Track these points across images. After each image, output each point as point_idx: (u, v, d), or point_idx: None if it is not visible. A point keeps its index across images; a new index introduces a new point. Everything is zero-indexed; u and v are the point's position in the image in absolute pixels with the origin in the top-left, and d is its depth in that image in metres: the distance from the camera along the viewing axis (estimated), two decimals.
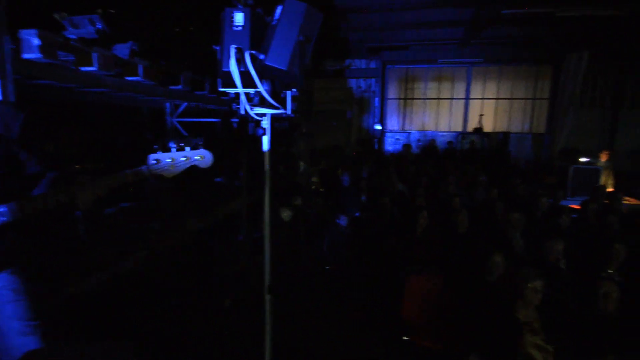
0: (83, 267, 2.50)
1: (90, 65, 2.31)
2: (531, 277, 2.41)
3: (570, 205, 5.68)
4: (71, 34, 2.34)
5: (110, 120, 3.84)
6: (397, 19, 8.43)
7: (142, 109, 4.69)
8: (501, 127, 10.89)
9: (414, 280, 3.35)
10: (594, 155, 7.40)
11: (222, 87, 2.08)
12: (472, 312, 2.79)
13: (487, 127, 10.58)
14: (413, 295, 3.29)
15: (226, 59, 1.93)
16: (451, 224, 4.17)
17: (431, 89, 11.38)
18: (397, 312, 3.35)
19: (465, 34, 8.75)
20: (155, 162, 1.74)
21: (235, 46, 1.87)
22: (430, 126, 11.51)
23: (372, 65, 11.11)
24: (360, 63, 11.26)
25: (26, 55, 2.11)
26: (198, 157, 1.81)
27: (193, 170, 1.94)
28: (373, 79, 11.21)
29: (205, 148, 1.92)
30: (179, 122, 4.89)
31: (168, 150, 1.74)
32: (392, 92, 11.62)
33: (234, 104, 2.08)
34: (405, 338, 3.07)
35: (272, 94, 1.98)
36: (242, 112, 2.09)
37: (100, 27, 2.20)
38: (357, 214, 5.90)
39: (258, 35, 1.94)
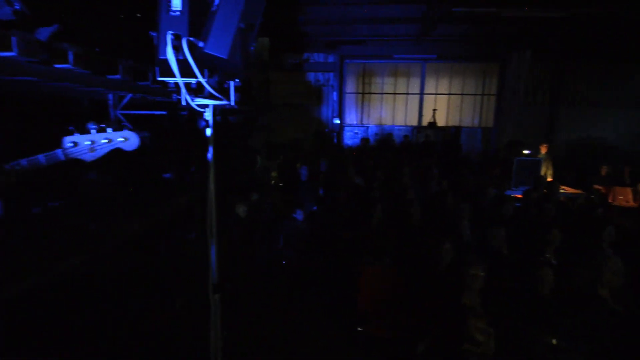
0: (9, 272, 2.27)
1: (9, 50, 2.08)
2: (474, 264, 2.51)
3: (514, 195, 6.06)
4: None
5: (41, 113, 3.51)
6: (354, 13, 8.49)
7: (82, 101, 4.35)
8: (453, 121, 11.36)
9: (368, 272, 3.40)
10: (535, 148, 7.92)
11: (161, 76, 1.96)
12: (422, 300, 2.88)
13: (440, 122, 10.98)
14: (367, 286, 3.33)
15: (163, 46, 1.81)
16: (404, 215, 4.28)
17: (388, 84, 11.61)
18: (352, 303, 3.38)
19: (419, 30, 8.99)
20: (72, 144, 1.54)
21: (172, 32, 1.76)
22: (387, 120, 11.75)
23: (331, 59, 11.12)
24: (318, 57, 11.22)
25: None
26: (121, 139, 1.62)
27: (136, 165, 1.80)
28: (332, 73, 11.23)
29: (152, 142, 1.77)
30: (123, 114, 4.59)
31: (87, 132, 1.55)
32: (351, 86, 11.73)
33: (175, 95, 1.95)
34: (359, 329, 3.11)
35: (214, 84, 1.89)
36: (184, 103, 1.98)
37: (18, 7, 1.98)
38: (314, 208, 5.89)
39: (198, 21, 1.84)
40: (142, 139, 1.76)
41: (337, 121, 11.30)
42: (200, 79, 1.80)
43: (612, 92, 10.72)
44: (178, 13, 1.82)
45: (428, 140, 10.53)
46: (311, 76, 11.43)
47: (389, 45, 10.32)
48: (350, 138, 11.77)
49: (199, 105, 1.97)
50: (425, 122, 11.11)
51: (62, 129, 1.53)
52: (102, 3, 3.02)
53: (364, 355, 3.05)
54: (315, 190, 6.39)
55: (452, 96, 11.42)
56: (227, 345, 2.27)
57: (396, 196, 5.23)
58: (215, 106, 2.01)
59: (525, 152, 7.38)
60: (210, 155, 2.07)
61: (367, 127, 11.74)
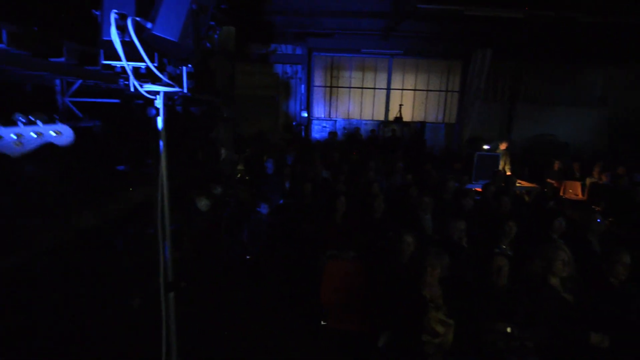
0: None
1: None
2: (437, 257, 2.54)
3: (474, 188, 6.28)
4: None
5: None
6: (322, 5, 8.41)
7: (24, 87, 3.99)
8: (419, 117, 11.60)
9: (332, 266, 3.39)
10: (494, 143, 8.25)
11: (105, 59, 1.81)
12: (384, 292, 2.90)
13: (406, 117, 11.18)
14: (331, 280, 3.32)
15: (106, 26, 1.67)
16: (369, 208, 4.30)
17: (356, 78, 11.66)
18: (316, 297, 3.36)
19: (386, 25, 9.06)
20: None
21: (116, 11, 1.61)
22: (355, 114, 11.81)
23: (298, 51, 10.98)
24: (286, 48, 11.05)
25: None
26: (53, 133, 1.46)
27: (87, 156, 1.64)
28: (299, 66, 11.09)
29: (105, 132, 1.61)
30: (72, 102, 4.26)
31: (13, 124, 1.37)
32: (318, 79, 11.66)
33: (122, 80, 1.80)
34: (323, 323, 3.09)
35: (164, 69, 1.77)
36: (131, 89, 1.84)
37: None
38: (280, 202, 5.82)
39: (146, 0, 1.70)
40: (94, 129, 1.62)
41: (305, 114, 11.22)
42: (148, 63, 1.67)
43: (565, 91, 11.39)
44: None
45: (394, 135, 10.70)
46: (279, 68, 11.25)
47: (356, 39, 10.33)
48: (318, 131, 11.72)
49: (148, 92, 1.84)
50: (391, 117, 11.27)
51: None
52: None
53: (326, 349, 3.04)
54: (282, 184, 6.31)
55: (417, 92, 11.65)
56: (187, 343, 2.16)
57: (361, 190, 5.26)
58: (167, 94, 1.89)
59: (485, 147, 7.67)
60: (161, 146, 1.94)
61: (335, 120, 11.75)
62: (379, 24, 9.23)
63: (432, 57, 11.27)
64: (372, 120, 11.68)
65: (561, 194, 7.46)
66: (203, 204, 4.38)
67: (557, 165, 7.99)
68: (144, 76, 1.84)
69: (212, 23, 5.39)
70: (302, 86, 11.14)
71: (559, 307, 2.69)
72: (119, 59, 1.70)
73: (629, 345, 2.59)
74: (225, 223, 5.02)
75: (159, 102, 1.88)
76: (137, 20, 1.62)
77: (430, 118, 11.70)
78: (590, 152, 10.97)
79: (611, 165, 7.78)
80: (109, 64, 1.84)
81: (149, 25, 1.66)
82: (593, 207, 6.13)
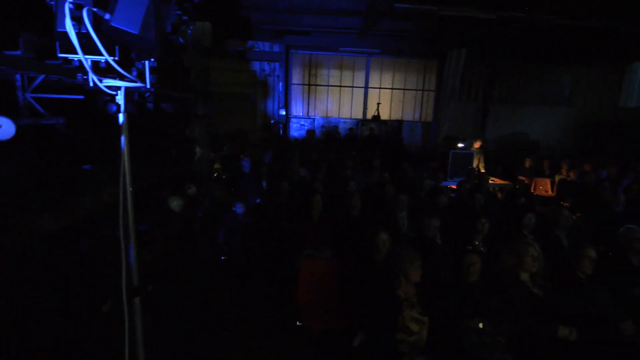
0: None
1: None
2: (411, 256, 2.54)
3: (450, 186, 6.39)
4: None
5: None
6: (300, 3, 8.33)
7: None
8: (396, 115, 11.72)
9: (307, 265, 3.35)
10: (468, 141, 8.43)
11: (61, 52, 1.71)
12: (359, 291, 2.89)
13: (384, 115, 11.27)
14: (306, 279, 3.28)
15: (61, 16, 1.57)
16: (345, 207, 4.29)
17: (334, 76, 11.65)
18: (292, 297, 3.32)
19: (363, 24, 9.07)
20: None
21: (71, 1, 1.52)
22: (333, 113, 11.81)
23: (276, 48, 10.86)
24: (263, 45, 10.92)
25: None
26: None
27: (50, 155, 1.53)
28: (277, 63, 10.98)
29: (69, 130, 1.52)
30: (34, 98, 4.03)
31: None
32: (297, 77, 11.58)
33: (80, 75, 1.70)
34: (298, 323, 3.05)
35: (126, 63, 1.68)
36: (91, 84, 1.74)
37: None
38: (257, 201, 5.73)
39: None
40: (56, 126, 1.52)
41: (283, 112, 11.12)
42: (107, 56, 1.58)
43: (535, 91, 11.77)
44: None
45: (372, 134, 10.75)
46: (256, 65, 11.10)
47: (334, 38, 10.30)
48: (296, 130, 11.65)
49: (108, 87, 1.74)
50: (369, 116, 11.33)
51: None
52: None
53: (302, 349, 3.00)
54: (259, 183, 6.22)
55: (394, 91, 11.76)
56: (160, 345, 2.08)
57: (338, 188, 5.24)
58: (130, 89, 1.79)
59: (460, 145, 7.82)
60: (123, 144, 1.84)
61: (314, 119, 11.71)
62: (357, 23, 9.24)
63: (409, 56, 11.40)
64: (351, 118, 11.71)
65: (532, 190, 7.69)
66: (176, 204, 4.25)
67: (528, 162, 8.23)
68: (105, 70, 1.75)
69: (185, 18, 5.21)
70: (280, 84, 11.04)
71: (528, 302, 2.75)
72: (76, 52, 1.60)
73: (594, 337, 2.68)
74: (199, 223, 4.91)
75: (120, 98, 1.78)
76: (93, 11, 1.53)
77: (408, 117, 11.84)
78: (560, 149, 11.39)
79: (579, 162, 8.10)
80: (67, 58, 1.73)
81: (107, 16, 1.56)
82: (561, 203, 6.35)
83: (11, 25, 2.47)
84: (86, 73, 1.72)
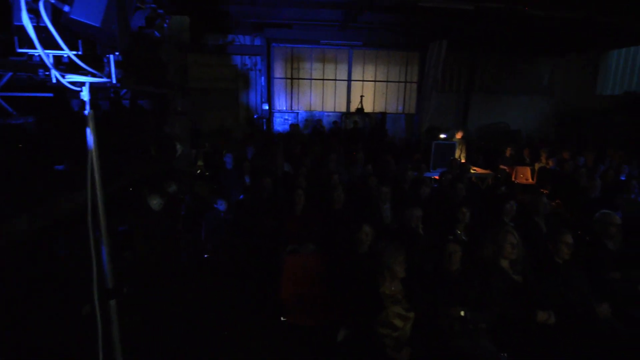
0: None
1: None
2: (395, 252, 2.53)
3: (433, 177, 6.45)
4: None
5: None
6: None
7: None
8: (379, 107, 11.74)
9: (291, 260, 3.33)
10: (450, 132, 8.51)
11: (20, 47, 1.63)
12: (343, 285, 2.88)
13: (368, 108, 11.27)
14: (290, 275, 3.26)
15: (17, 9, 1.48)
16: (329, 200, 4.27)
17: (316, 70, 11.58)
18: (276, 294, 3.30)
19: (344, 16, 9.02)
20: None
21: None
22: (317, 106, 11.75)
23: (257, 42, 10.70)
24: (244, 39, 10.74)
25: None
26: None
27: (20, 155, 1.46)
28: (259, 57, 10.83)
29: (40, 129, 1.44)
30: (2, 97, 3.86)
31: None
32: (279, 71, 11.46)
33: (41, 70, 1.62)
34: (283, 319, 3.03)
35: (90, 58, 1.61)
36: (53, 80, 1.66)
37: None
38: (241, 197, 5.67)
39: None
40: (25, 126, 1.45)
41: (266, 107, 11.00)
42: (67, 50, 1.51)
43: (516, 81, 11.96)
44: None
45: (356, 127, 10.76)
46: (237, 59, 10.92)
47: (316, 30, 10.21)
48: (280, 124, 11.57)
49: (72, 83, 1.67)
50: (353, 108, 11.32)
51: None
52: None
53: (286, 345, 2.99)
54: (241, 179, 6.16)
55: (377, 83, 11.77)
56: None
57: (321, 182, 5.23)
58: (95, 85, 1.72)
59: (442, 136, 7.89)
60: (90, 143, 1.77)
61: (297, 112, 11.63)
62: (338, 15, 9.17)
63: (391, 48, 11.40)
64: (334, 111, 11.68)
65: (513, 179, 7.83)
66: (155, 202, 4.16)
67: (509, 151, 8.38)
68: (69, 66, 1.67)
69: (161, 11, 5.07)
70: (262, 78, 10.90)
71: (508, 288, 2.80)
72: (34, 47, 1.52)
73: (572, 321, 2.75)
74: (181, 221, 4.82)
75: (85, 94, 1.71)
76: (52, 3, 1.45)
77: (391, 109, 11.88)
78: (539, 138, 11.63)
79: (558, 150, 8.28)
80: (27, 53, 1.66)
81: (66, 8, 1.49)
82: (541, 190, 6.49)
83: None
84: (48, 69, 1.65)
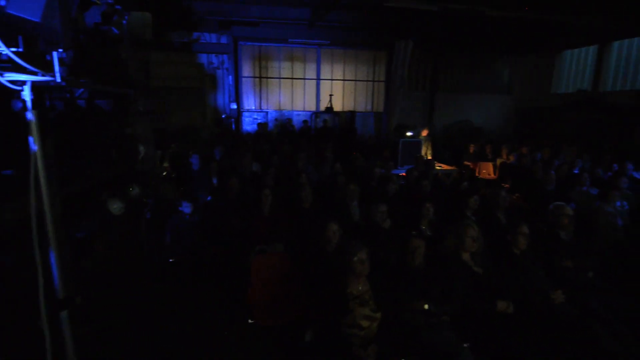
0: None
1: None
2: (356, 249, 2.54)
3: (401, 174, 6.58)
4: None
5: None
6: None
7: None
8: (349, 106, 11.84)
9: (258, 261, 3.30)
10: (417, 130, 8.72)
11: None
12: (310, 284, 2.88)
13: (337, 107, 11.35)
14: (258, 276, 3.23)
15: None
16: (297, 199, 4.26)
17: (285, 69, 11.51)
18: (244, 295, 3.25)
19: (312, 15, 9.02)
20: None
21: None
22: (286, 105, 11.69)
23: (224, 40, 10.50)
24: (210, 37, 10.51)
25: None
26: None
27: None
28: (225, 55, 10.63)
29: None
30: None
31: None
32: (247, 70, 11.30)
33: None
34: (250, 321, 3.00)
35: (31, 55, 1.51)
36: None
37: None
38: (208, 198, 5.55)
39: None
40: None
41: (235, 106, 10.82)
42: (4, 47, 1.41)
43: (478, 80, 12.44)
44: None
45: (326, 125, 10.80)
46: (203, 58, 10.67)
47: (283, 29, 10.16)
48: (249, 124, 11.42)
49: (12, 82, 1.56)
50: (322, 107, 11.36)
51: None
52: None
53: (254, 348, 2.96)
54: (209, 180, 6.03)
55: (346, 82, 11.87)
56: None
57: (289, 181, 5.20)
58: (36, 84, 1.62)
59: (408, 134, 8.07)
60: (32, 145, 1.67)
61: (267, 112, 11.52)
62: (305, 14, 9.16)
63: (359, 47, 11.53)
64: (304, 110, 11.66)
65: (477, 174, 8.13)
66: (115, 207, 3.98)
67: (472, 148, 8.69)
68: (6, 63, 1.57)
69: (118, 7, 4.85)
70: (230, 77, 10.71)
71: (470, 280, 2.90)
72: None
73: (529, 308, 2.88)
74: (145, 225, 4.65)
75: (26, 94, 1.60)
76: None
77: (360, 107, 12.01)
78: (501, 134, 12.15)
79: (517, 146, 8.67)
80: None
81: (2, 2, 1.39)
82: (502, 184, 6.77)
83: None
84: None
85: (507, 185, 6.57)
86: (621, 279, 3.59)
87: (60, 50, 1.60)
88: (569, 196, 5.24)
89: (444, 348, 2.53)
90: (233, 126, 10.72)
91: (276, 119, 11.45)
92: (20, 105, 1.62)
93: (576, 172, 6.60)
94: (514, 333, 2.69)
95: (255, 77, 11.37)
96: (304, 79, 11.59)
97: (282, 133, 10.59)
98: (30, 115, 1.61)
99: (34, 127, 1.63)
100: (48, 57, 1.60)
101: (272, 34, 10.27)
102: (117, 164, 5.44)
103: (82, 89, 4.88)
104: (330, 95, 11.01)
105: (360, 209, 4.39)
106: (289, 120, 11.20)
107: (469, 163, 8.21)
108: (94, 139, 4.76)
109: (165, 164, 7.52)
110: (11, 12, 1.37)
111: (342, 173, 5.30)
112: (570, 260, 3.42)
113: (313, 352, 2.51)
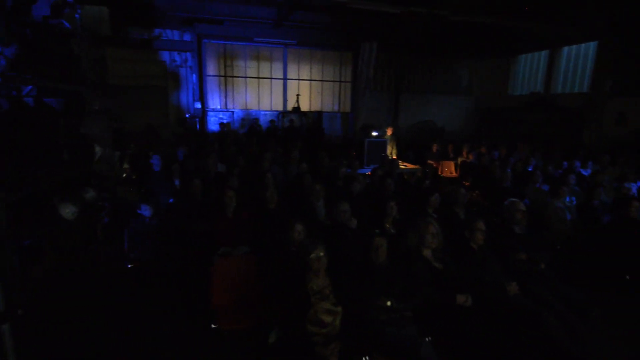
0: None
1: None
2: (312, 247, 2.55)
3: (367, 173, 6.67)
4: None
5: None
6: None
7: None
8: (316, 106, 11.89)
9: (221, 264, 3.23)
10: (382, 130, 8.89)
11: None
12: (274, 285, 2.85)
13: (304, 107, 11.35)
14: (221, 279, 3.16)
15: None
16: (262, 200, 4.21)
17: (251, 68, 11.37)
18: (206, 300, 3.17)
19: (277, 14, 8.96)
20: None
21: None
22: (253, 105, 11.56)
23: (187, 37, 10.22)
24: (172, 34, 10.19)
25: None
26: None
27: None
28: (189, 53, 10.33)
29: None
30: None
31: None
32: (212, 68, 11.06)
33: None
34: (214, 326, 2.92)
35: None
36: None
37: None
38: (170, 201, 5.37)
39: None
40: None
41: (199, 105, 10.54)
42: None
43: (440, 82, 12.90)
44: None
45: (293, 125, 10.76)
46: (165, 55, 10.32)
47: (248, 28, 10.01)
48: (214, 123, 11.16)
49: None
50: (290, 107, 11.32)
51: None
52: None
53: (217, 352, 2.89)
54: (170, 182, 5.84)
55: (313, 82, 11.90)
56: None
57: (254, 181, 5.14)
58: None
59: (374, 133, 8.20)
60: None
61: (233, 111, 11.32)
62: (271, 13, 9.08)
63: (325, 48, 11.60)
64: (271, 110, 11.57)
65: (440, 173, 8.41)
66: (68, 211, 3.76)
67: (435, 147, 8.97)
68: None
69: (70, 0, 4.61)
70: (194, 75, 10.42)
71: (430, 275, 2.98)
72: None
73: (486, 300, 3.01)
74: (102, 230, 4.43)
75: None
76: None
77: (327, 107, 12.09)
78: (461, 134, 12.65)
79: (477, 145, 9.05)
80: None
81: None
82: (463, 182, 7.04)
83: None
84: None
85: (467, 183, 6.84)
86: (570, 270, 3.83)
87: None
88: (523, 192, 5.53)
89: (407, 343, 2.58)
90: (197, 126, 10.44)
91: (243, 119, 11.27)
92: None
93: (530, 169, 6.98)
94: (473, 324, 2.80)
95: (220, 75, 11.15)
96: (271, 78, 11.50)
97: (249, 133, 10.45)
98: None
99: None
100: (7, 53, 1.47)
101: (237, 32, 10.10)
102: (69, 166, 5.14)
103: (29, 87, 4.58)
104: (298, 95, 11.00)
105: (326, 209, 4.41)
106: (256, 120, 11.06)
107: (432, 162, 8.47)
108: (43, 139, 4.48)
109: (126, 166, 7.21)
110: None
111: (308, 173, 5.29)
112: (523, 253, 3.61)
113: (277, 354, 2.49)
